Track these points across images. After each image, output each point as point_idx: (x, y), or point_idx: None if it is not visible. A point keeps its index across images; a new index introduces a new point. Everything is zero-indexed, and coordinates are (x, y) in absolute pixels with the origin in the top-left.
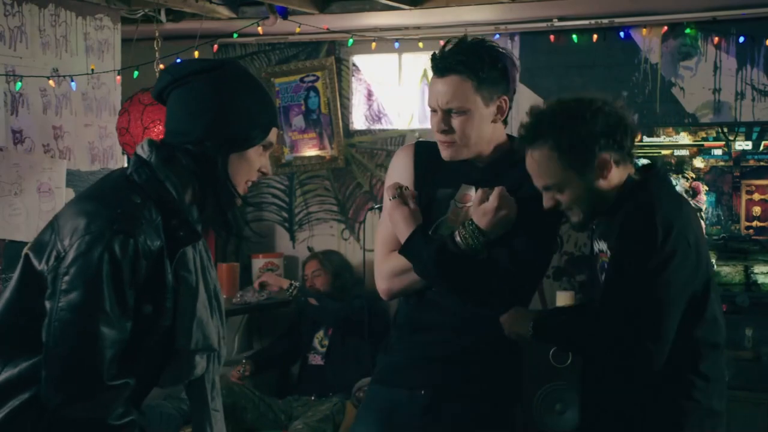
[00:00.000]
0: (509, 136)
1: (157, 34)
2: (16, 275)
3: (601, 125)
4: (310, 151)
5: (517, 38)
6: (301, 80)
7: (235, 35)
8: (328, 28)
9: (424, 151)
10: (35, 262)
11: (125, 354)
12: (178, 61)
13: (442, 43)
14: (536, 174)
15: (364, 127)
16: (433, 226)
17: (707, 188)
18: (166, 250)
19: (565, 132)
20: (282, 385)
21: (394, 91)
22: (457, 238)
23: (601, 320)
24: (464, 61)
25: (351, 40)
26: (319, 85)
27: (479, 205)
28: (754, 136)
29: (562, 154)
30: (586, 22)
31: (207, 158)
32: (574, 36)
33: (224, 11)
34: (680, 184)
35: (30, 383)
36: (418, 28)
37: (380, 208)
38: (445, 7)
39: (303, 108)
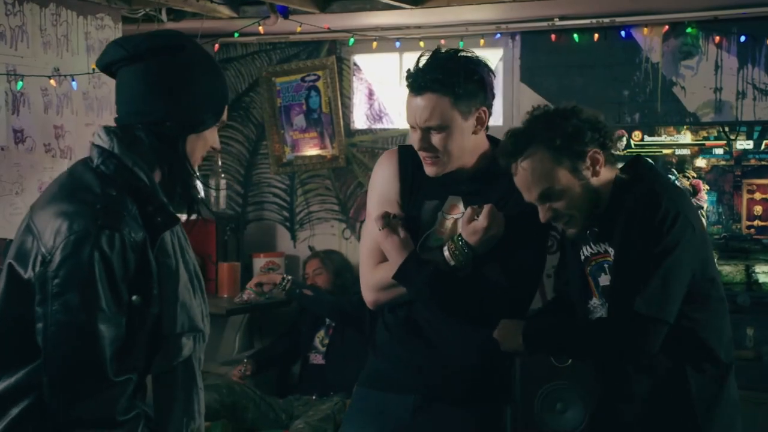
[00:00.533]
0: (490, 139)
1: None
2: (1, 285)
3: (583, 120)
4: (311, 151)
5: (517, 37)
6: (302, 80)
7: (236, 35)
8: (329, 28)
9: (407, 158)
10: (21, 271)
11: (123, 348)
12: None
13: (443, 42)
14: (530, 184)
15: (365, 127)
16: (422, 239)
17: (708, 188)
18: (148, 239)
19: (554, 128)
20: (283, 385)
21: (395, 90)
22: (446, 254)
23: (612, 303)
24: (439, 78)
25: (352, 40)
26: (320, 84)
27: (469, 224)
28: (756, 135)
29: (555, 150)
30: (587, 21)
31: (166, 138)
32: (575, 35)
33: (225, 11)
34: (680, 183)
35: (28, 391)
36: (419, 27)
37: None
38: (446, 7)
39: (304, 107)
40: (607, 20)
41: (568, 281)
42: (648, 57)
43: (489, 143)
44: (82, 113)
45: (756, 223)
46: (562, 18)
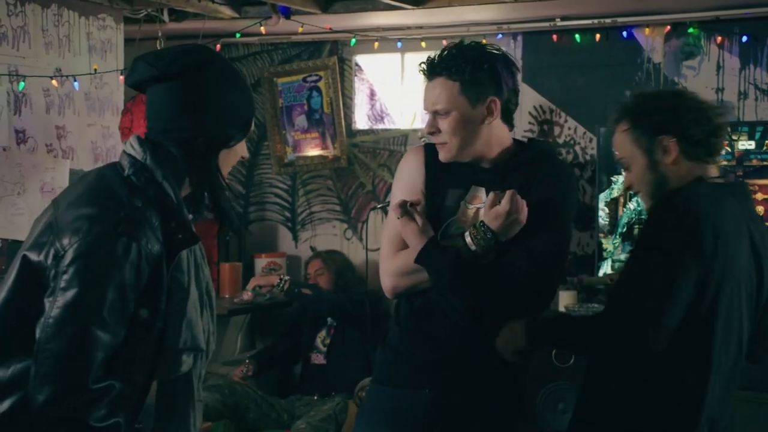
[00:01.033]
0: (516, 141)
1: (159, 34)
2: (12, 276)
3: (681, 111)
4: (313, 151)
5: (519, 38)
6: (304, 80)
7: (238, 35)
8: (330, 28)
9: (433, 153)
10: (33, 261)
11: (119, 356)
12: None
13: (445, 42)
14: (615, 148)
15: (366, 127)
16: (443, 227)
17: None
18: (165, 254)
19: (639, 104)
20: (284, 385)
21: (396, 90)
22: (468, 239)
23: (614, 294)
24: (449, 63)
25: (353, 40)
26: (321, 84)
27: (491, 208)
28: (757, 135)
29: (633, 129)
30: (589, 21)
31: (199, 154)
32: (577, 36)
33: (227, 11)
34: None
35: (22, 385)
36: (420, 27)
37: (383, 208)
38: (447, 7)
39: (306, 108)
40: (608, 20)
41: None
42: (650, 57)
43: (513, 143)
44: (84, 114)
45: None
46: (563, 18)
